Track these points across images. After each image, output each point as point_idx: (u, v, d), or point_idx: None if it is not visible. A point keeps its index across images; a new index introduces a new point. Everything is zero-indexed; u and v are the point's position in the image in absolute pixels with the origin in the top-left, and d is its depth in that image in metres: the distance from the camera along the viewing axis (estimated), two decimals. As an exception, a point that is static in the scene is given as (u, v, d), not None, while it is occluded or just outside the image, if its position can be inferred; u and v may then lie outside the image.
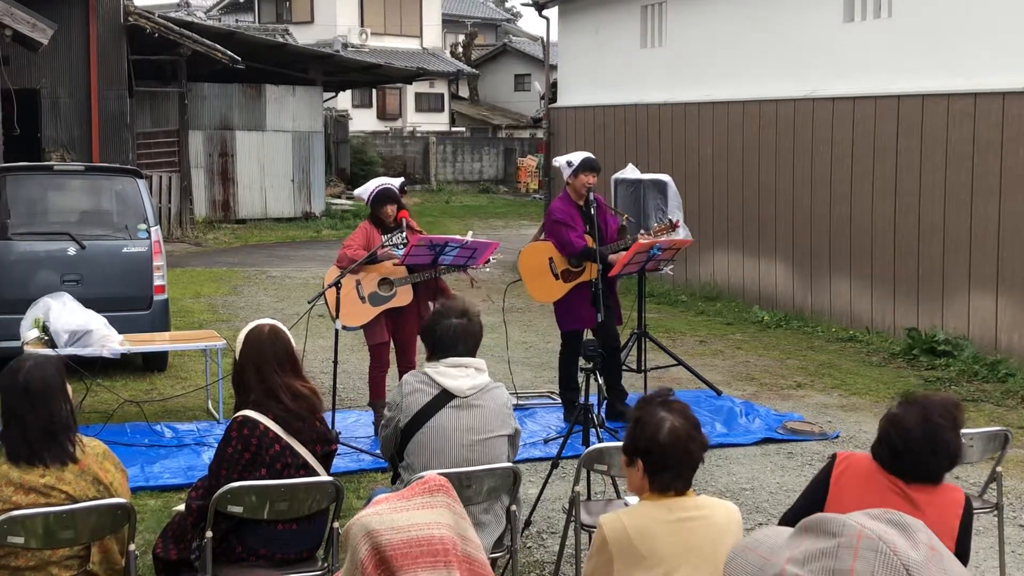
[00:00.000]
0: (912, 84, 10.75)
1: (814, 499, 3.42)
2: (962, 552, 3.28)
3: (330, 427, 4.56)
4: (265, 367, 4.23)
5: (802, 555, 1.59)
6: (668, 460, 3.15)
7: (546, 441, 7.47)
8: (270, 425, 4.15)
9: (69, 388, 3.88)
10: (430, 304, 7.15)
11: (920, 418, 3.25)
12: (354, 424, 7.77)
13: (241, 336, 4.34)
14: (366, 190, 7.39)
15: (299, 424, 4.23)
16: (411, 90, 38.17)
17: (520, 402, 8.26)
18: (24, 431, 3.69)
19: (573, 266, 7.64)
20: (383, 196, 7.28)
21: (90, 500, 3.70)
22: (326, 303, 7.16)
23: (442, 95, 40.70)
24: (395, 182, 7.52)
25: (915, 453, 3.24)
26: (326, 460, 4.35)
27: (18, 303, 8.00)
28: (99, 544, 3.82)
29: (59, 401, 3.77)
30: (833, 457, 3.48)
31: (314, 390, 4.39)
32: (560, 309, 7.77)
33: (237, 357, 4.29)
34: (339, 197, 26.59)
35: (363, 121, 36.27)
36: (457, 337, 4.40)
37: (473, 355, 4.45)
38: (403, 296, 7.26)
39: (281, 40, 24.32)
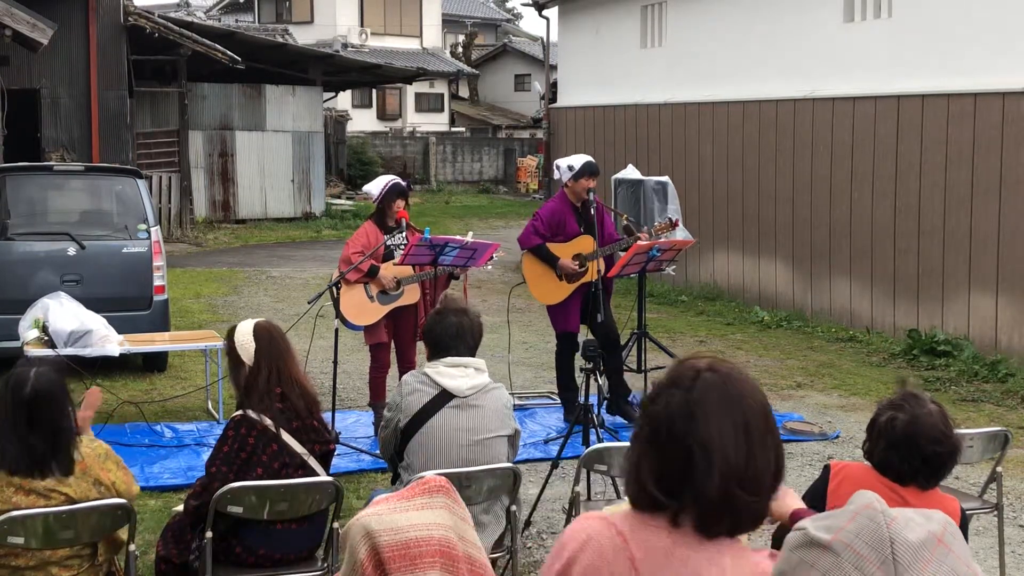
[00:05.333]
0: (912, 84, 10.75)
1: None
2: None
3: (329, 427, 4.55)
4: (283, 364, 4.25)
5: (823, 516, 1.74)
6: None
7: (546, 441, 7.47)
8: (269, 424, 4.15)
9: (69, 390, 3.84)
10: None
11: (941, 420, 3.24)
12: (354, 424, 7.77)
13: (245, 337, 4.28)
14: (377, 185, 7.46)
15: (298, 423, 4.23)
16: (411, 90, 38.15)
17: (520, 402, 8.26)
18: (28, 447, 3.63)
19: (577, 267, 7.68)
20: (396, 190, 7.37)
21: (90, 500, 3.69)
22: (334, 303, 7.17)
23: (442, 95, 40.69)
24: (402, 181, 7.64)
25: (946, 455, 3.22)
26: (324, 460, 4.35)
27: (18, 303, 8.00)
28: (107, 538, 3.82)
29: (64, 410, 3.71)
30: (827, 469, 3.45)
31: (311, 389, 4.40)
32: (552, 310, 7.85)
33: (251, 358, 4.23)
34: (339, 197, 26.58)
35: (363, 121, 36.27)
36: (456, 336, 4.40)
37: (473, 354, 4.45)
38: (411, 294, 7.30)
39: (281, 40, 24.30)
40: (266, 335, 4.27)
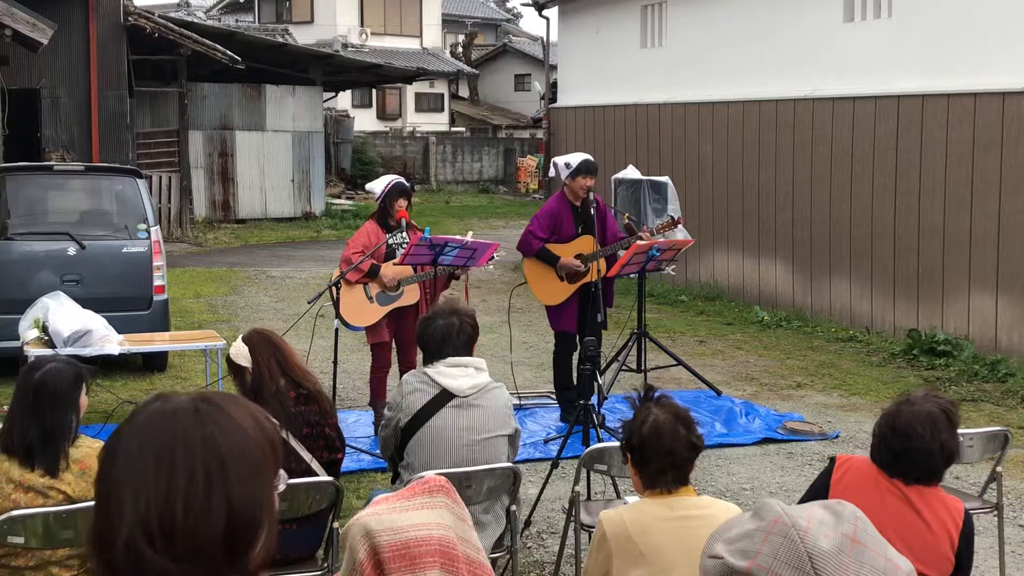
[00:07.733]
0: (912, 84, 10.75)
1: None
2: (964, 564, 3.27)
3: (342, 437, 4.53)
4: (282, 357, 4.27)
5: (735, 536, 1.63)
6: (648, 453, 3.20)
7: (546, 441, 7.47)
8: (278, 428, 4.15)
9: (84, 400, 3.85)
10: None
11: (917, 417, 3.25)
12: (354, 424, 7.77)
13: (237, 347, 4.27)
14: (379, 184, 7.47)
15: (308, 430, 4.23)
16: (411, 90, 38.14)
17: (520, 402, 8.26)
18: (24, 432, 3.68)
19: (579, 264, 7.70)
20: (399, 189, 7.38)
21: (89, 500, 3.69)
22: (334, 303, 7.17)
23: (442, 95, 40.68)
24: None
25: (913, 452, 3.24)
26: (330, 468, 4.34)
27: (18, 303, 7.99)
28: None
29: (66, 412, 3.73)
30: (832, 461, 3.48)
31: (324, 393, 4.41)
32: (549, 310, 7.87)
33: (248, 359, 4.23)
34: (339, 197, 26.58)
35: (363, 121, 36.24)
36: (443, 339, 4.38)
37: (469, 353, 4.45)
38: (410, 295, 7.30)
39: (281, 40, 24.31)
40: (256, 336, 4.31)
